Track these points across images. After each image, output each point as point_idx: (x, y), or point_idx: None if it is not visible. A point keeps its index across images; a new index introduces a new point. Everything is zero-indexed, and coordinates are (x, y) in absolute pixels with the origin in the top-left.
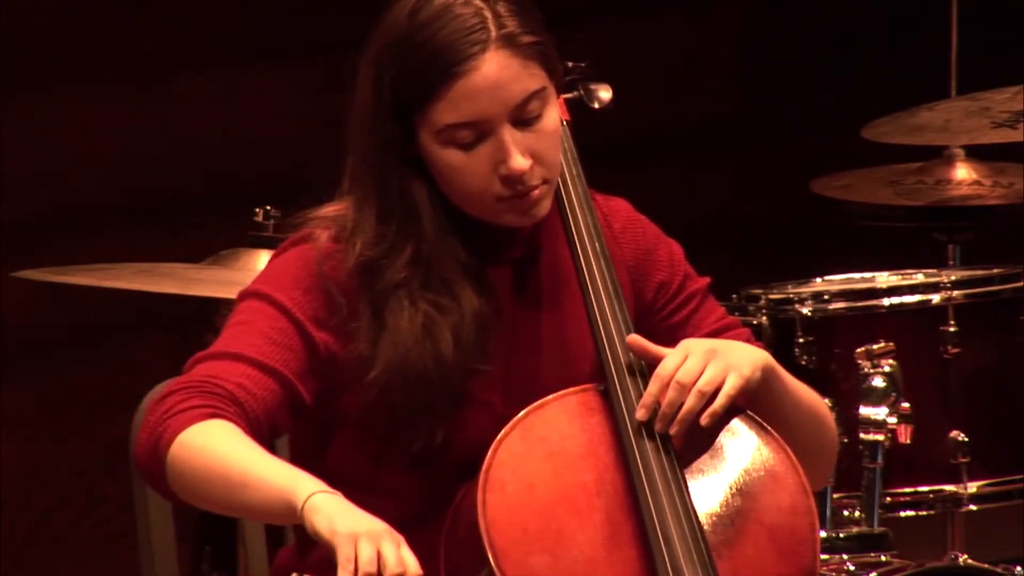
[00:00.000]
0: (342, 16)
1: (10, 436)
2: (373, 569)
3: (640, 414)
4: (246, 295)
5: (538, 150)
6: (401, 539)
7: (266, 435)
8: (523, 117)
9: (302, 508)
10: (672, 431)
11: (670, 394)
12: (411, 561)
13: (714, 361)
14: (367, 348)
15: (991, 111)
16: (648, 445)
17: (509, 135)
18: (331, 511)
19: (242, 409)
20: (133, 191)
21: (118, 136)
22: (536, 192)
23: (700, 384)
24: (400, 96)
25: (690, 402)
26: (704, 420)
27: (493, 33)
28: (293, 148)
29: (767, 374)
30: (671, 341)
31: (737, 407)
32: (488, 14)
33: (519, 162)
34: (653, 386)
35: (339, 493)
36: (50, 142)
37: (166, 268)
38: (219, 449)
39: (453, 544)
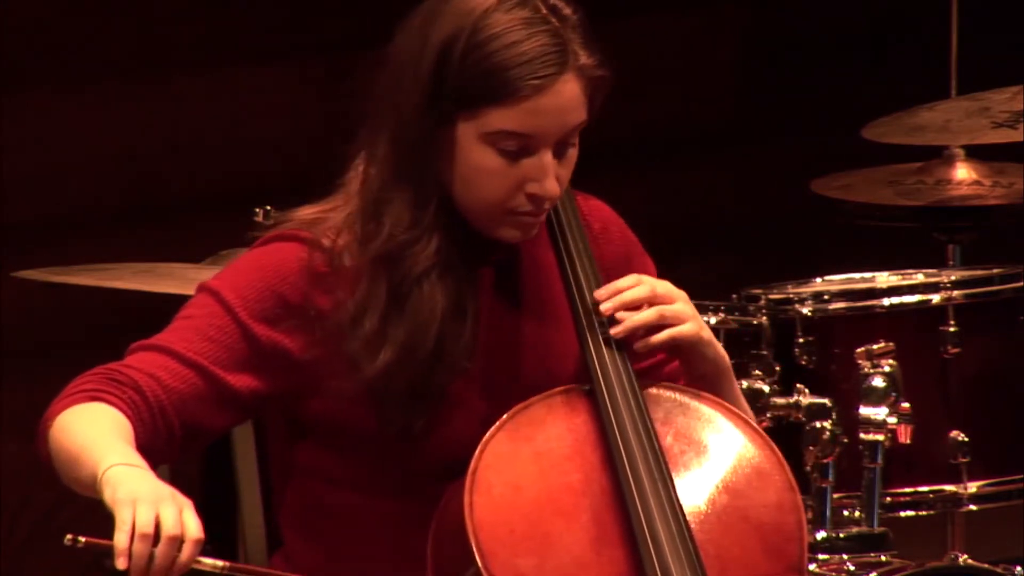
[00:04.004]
0: (342, 16)
1: (10, 436)
2: (150, 531)
3: (599, 292)
4: (200, 288)
5: (561, 178)
6: (187, 503)
7: (176, 427)
8: (564, 143)
9: (99, 481)
10: (613, 331)
11: (638, 289)
12: (192, 524)
13: (688, 309)
14: (378, 330)
15: (991, 111)
16: (635, 443)
17: (549, 158)
18: (119, 480)
19: (142, 397)
20: (133, 191)
21: (118, 136)
22: (543, 215)
23: (664, 307)
24: (464, 85)
25: (646, 314)
26: (637, 344)
27: (572, 59)
28: (293, 148)
29: (721, 368)
30: (637, 357)
31: (679, 386)
32: (566, 36)
33: (554, 186)
34: (626, 281)
35: (145, 467)
36: (50, 142)
37: (166, 268)
38: (75, 428)
39: (441, 545)
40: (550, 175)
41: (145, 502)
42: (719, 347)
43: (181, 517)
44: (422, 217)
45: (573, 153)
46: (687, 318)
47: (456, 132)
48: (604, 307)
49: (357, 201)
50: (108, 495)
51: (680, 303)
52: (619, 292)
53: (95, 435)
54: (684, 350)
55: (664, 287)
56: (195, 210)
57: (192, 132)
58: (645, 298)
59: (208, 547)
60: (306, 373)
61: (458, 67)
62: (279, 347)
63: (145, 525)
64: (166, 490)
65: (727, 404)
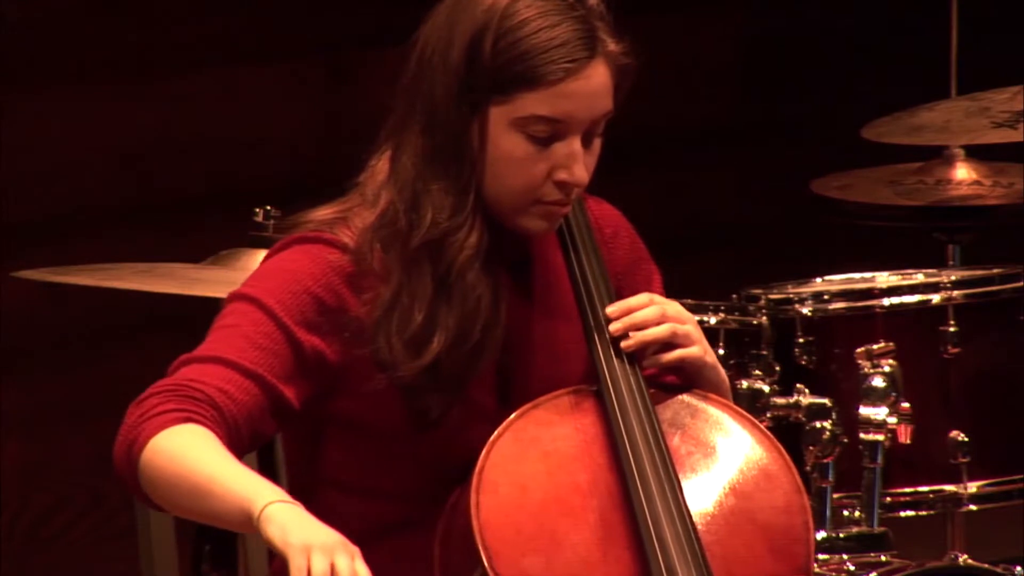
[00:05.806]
0: (342, 16)
1: (10, 436)
2: None
3: (610, 310)
4: (234, 297)
5: (587, 167)
6: (356, 552)
7: (246, 440)
8: (591, 132)
9: (258, 518)
10: (624, 344)
11: (649, 309)
12: (364, 574)
13: (696, 332)
14: (427, 321)
15: (991, 111)
16: (641, 444)
17: (578, 145)
18: (285, 521)
19: (220, 414)
20: (133, 191)
21: (118, 136)
22: (569, 205)
23: (676, 326)
24: (496, 71)
25: (658, 329)
26: (646, 362)
27: (600, 46)
28: (293, 148)
29: (722, 393)
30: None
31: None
32: (593, 23)
33: (582, 173)
34: (638, 301)
35: (299, 504)
36: (50, 142)
37: (166, 268)
38: (188, 455)
39: (447, 546)
40: (579, 161)
41: (319, 550)
42: (721, 371)
43: (354, 566)
44: (463, 205)
45: (598, 144)
46: (695, 341)
47: (487, 120)
48: (614, 327)
49: (388, 195)
50: (277, 536)
51: (689, 325)
52: (630, 311)
53: (220, 464)
54: (689, 372)
55: (674, 308)
56: (195, 210)
57: (192, 132)
58: (655, 319)
59: (208, 549)
60: (338, 374)
61: (490, 54)
62: (317, 350)
63: (321, 574)
64: (337, 537)
65: (735, 406)
